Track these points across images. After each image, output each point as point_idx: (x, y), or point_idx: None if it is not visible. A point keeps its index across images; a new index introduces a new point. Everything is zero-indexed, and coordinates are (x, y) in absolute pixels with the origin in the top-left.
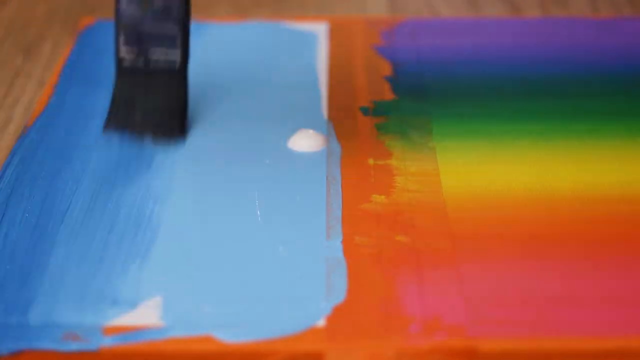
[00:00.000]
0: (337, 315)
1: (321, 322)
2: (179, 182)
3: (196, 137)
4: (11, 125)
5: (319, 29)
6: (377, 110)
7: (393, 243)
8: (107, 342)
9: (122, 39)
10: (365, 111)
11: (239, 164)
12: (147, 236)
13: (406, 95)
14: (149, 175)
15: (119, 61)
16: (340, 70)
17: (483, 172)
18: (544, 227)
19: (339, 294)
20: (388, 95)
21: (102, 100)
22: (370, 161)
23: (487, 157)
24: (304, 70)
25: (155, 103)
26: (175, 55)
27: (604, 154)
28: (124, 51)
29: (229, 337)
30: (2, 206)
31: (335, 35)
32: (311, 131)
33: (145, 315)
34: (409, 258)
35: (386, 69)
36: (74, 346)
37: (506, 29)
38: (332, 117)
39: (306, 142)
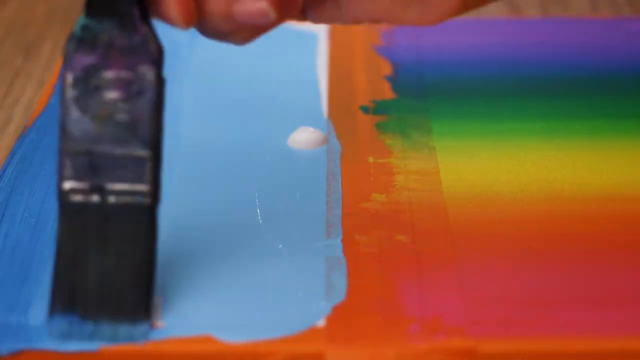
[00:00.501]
0: (337, 315)
1: (321, 322)
2: (178, 180)
3: (196, 136)
4: (11, 125)
5: (319, 29)
6: (377, 109)
7: (393, 242)
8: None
9: (68, 166)
10: (365, 110)
11: (238, 162)
12: None
13: (406, 95)
14: None
15: (62, 196)
16: (340, 70)
17: (483, 172)
18: (544, 227)
19: (339, 293)
20: (388, 94)
21: None
22: (370, 160)
23: (487, 156)
24: (304, 69)
25: (115, 265)
26: (143, 185)
27: (604, 154)
28: (70, 185)
29: (229, 337)
30: (2, 206)
31: (335, 35)
32: (311, 129)
33: None
34: (409, 258)
35: (386, 69)
36: (74, 346)
37: (506, 29)
38: (332, 116)
39: (306, 140)
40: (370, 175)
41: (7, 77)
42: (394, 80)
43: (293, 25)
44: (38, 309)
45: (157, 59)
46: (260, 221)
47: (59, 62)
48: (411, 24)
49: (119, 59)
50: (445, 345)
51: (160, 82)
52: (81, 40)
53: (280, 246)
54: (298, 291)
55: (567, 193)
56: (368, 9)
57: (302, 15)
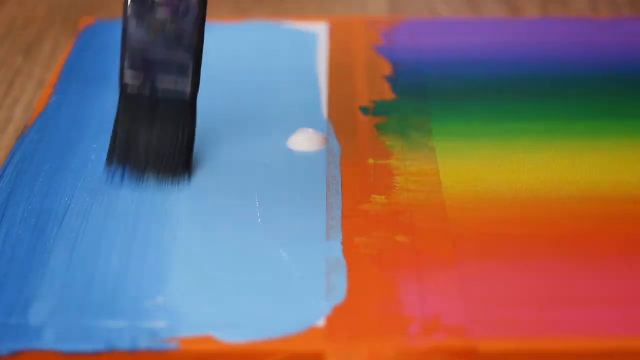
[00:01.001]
0: (337, 315)
1: (321, 322)
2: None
3: (196, 137)
4: (11, 125)
5: (319, 29)
6: (377, 110)
7: (393, 243)
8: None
9: (127, 63)
10: (365, 111)
11: (238, 164)
12: (147, 236)
13: (406, 95)
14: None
15: (123, 87)
16: (340, 70)
17: (483, 172)
18: (544, 227)
19: (339, 294)
20: (388, 95)
21: (102, 100)
22: (370, 161)
23: (487, 157)
24: (304, 70)
25: (160, 137)
26: (185, 85)
27: (604, 154)
28: (129, 76)
29: (229, 337)
30: (2, 206)
31: (335, 35)
32: (311, 131)
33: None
34: (409, 258)
35: (386, 69)
36: (73, 347)
37: (506, 29)
38: (332, 117)
39: (306, 142)
40: (371, 177)
41: (7, 77)
42: (394, 81)
43: (293, 25)
44: (38, 309)
45: None
46: (260, 222)
47: (59, 62)
48: None
49: None
50: (445, 345)
51: (203, 4)
52: None
53: (281, 248)
54: (298, 291)
55: (567, 193)
56: None
57: None
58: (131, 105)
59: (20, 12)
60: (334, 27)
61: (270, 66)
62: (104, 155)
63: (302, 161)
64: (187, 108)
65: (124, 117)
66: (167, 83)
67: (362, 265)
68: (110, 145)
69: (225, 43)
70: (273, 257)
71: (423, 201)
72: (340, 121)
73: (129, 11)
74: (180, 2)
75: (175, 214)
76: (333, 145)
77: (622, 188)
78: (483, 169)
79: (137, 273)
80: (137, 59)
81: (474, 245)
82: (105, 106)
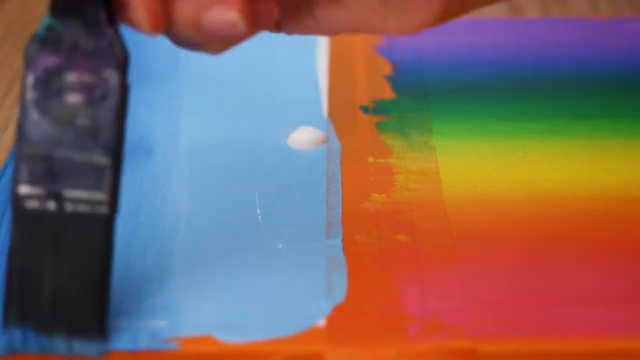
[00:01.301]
0: (337, 315)
1: (321, 322)
2: (178, 180)
3: (195, 135)
4: (11, 125)
5: None
6: (377, 109)
7: (393, 242)
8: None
9: (24, 171)
10: (365, 110)
11: (238, 162)
12: (147, 236)
13: (406, 95)
14: (146, 173)
15: (16, 202)
16: (340, 69)
17: (483, 172)
18: (544, 227)
19: (339, 293)
20: (388, 94)
21: None
22: (371, 159)
23: (487, 156)
24: (304, 69)
25: (69, 281)
26: (101, 196)
27: (604, 154)
28: (26, 190)
29: (229, 337)
30: (2, 206)
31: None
32: (311, 129)
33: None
34: (409, 258)
35: (386, 68)
36: (73, 347)
37: (506, 29)
38: (332, 116)
39: (306, 140)
40: (370, 175)
41: (7, 77)
42: (394, 80)
43: None
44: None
45: (122, 64)
46: (260, 221)
47: None
48: (390, 33)
49: (82, 62)
50: (445, 345)
51: (124, 88)
52: (44, 41)
53: (280, 246)
54: (298, 291)
55: (566, 193)
56: (345, 19)
57: (276, 27)
58: (28, 231)
59: (20, 12)
60: None
61: (270, 65)
62: None
63: (302, 159)
64: (103, 230)
65: (19, 251)
66: (78, 193)
67: (362, 264)
68: (5, 295)
69: None
70: (273, 256)
71: (423, 200)
72: (341, 119)
73: (29, 98)
74: (96, 83)
75: (175, 213)
76: (333, 143)
77: (622, 188)
78: (483, 168)
79: (137, 273)
80: (36, 164)
81: (474, 244)
82: None
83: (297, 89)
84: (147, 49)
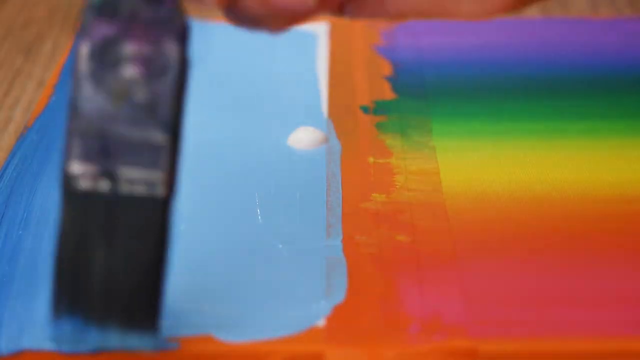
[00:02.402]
0: (337, 315)
1: (321, 322)
2: (178, 180)
3: (196, 136)
4: (11, 125)
5: (319, 29)
6: (378, 109)
7: (393, 242)
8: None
9: (77, 148)
10: (365, 110)
11: (238, 162)
12: None
13: (406, 95)
14: None
15: (67, 182)
16: (340, 70)
17: (483, 172)
18: (544, 227)
19: (339, 294)
20: (388, 94)
21: None
22: (371, 160)
23: (487, 156)
24: (304, 69)
25: (120, 268)
26: (157, 176)
27: (604, 154)
28: (78, 168)
29: (229, 337)
30: (2, 206)
31: (335, 35)
32: (311, 129)
33: None
34: (409, 258)
35: (386, 69)
36: (73, 347)
37: (506, 29)
38: (332, 116)
39: (306, 140)
40: (370, 176)
41: (7, 77)
42: (394, 81)
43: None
44: (39, 309)
45: (183, 35)
46: (260, 221)
47: (59, 62)
48: (462, 18)
49: (141, 32)
50: (445, 345)
51: (184, 61)
52: (100, 9)
53: (280, 246)
54: (298, 291)
55: (567, 193)
56: (415, 2)
57: (340, 10)
58: (80, 210)
59: (20, 12)
60: (334, 27)
61: (270, 66)
62: None
63: (302, 159)
64: (159, 213)
65: (69, 236)
66: (133, 174)
67: (362, 264)
68: (54, 284)
69: (226, 43)
70: (273, 256)
71: (423, 200)
72: (341, 120)
73: (84, 70)
74: (155, 55)
75: (175, 214)
76: (333, 143)
77: (621, 188)
78: (483, 168)
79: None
80: (90, 141)
81: (474, 244)
82: None
83: (297, 89)
84: None
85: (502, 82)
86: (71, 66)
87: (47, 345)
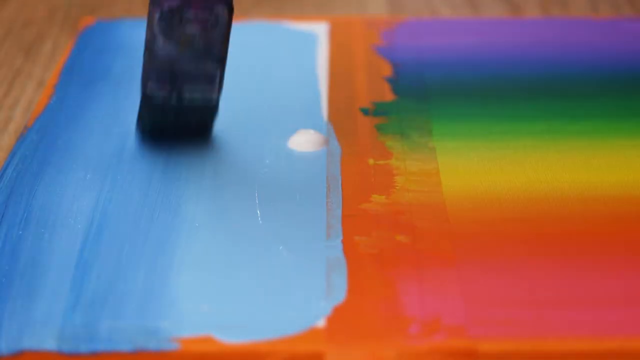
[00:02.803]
0: (337, 315)
1: (321, 323)
2: (179, 181)
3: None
4: (11, 125)
5: (319, 29)
6: (377, 110)
7: (393, 243)
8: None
9: (153, 76)
10: (365, 112)
11: (238, 164)
12: (147, 236)
13: (406, 96)
14: (147, 174)
15: (147, 99)
16: (340, 71)
17: (483, 172)
18: (544, 227)
19: (339, 294)
20: (388, 95)
21: (102, 100)
22: (371, 161)
23: (487, 157)
24: (304, 70)
25: (188, 120)
26: (212, 92)
27: (604, 154)
28: (154, 88)
29: (229, 337)
30: (2, 206)
31: (335, 35)
32: (311, 131)
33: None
34: (409, 258)
35: (386, 69)
36: (73, 347)
37: (506, 29)
38: (332, 118)
39: (306, 142)
40: (371, 177)
41: (7, 77)
42: (394, 82)
43: (293, 25)
44: (39, 309)
45: (229, 1)
46: (261, 222)
47: (59, 62)
48: None
49: (199, 2)
50: (445, 345)
51: (230, 16)
52: None
53: (281, 247)
54: (298, 291)
55: (567, 193)
56: None
57: None
58: (156, 111)
59: (20, 12)
60: (334, 27)
61: (270, 66)
62: (105, 156)
63: (302, 161)
64: (212, 110)
65: (147, 117)
66: (194, 92)
67: (362, 265)
68: (139, 114)
69: None
70: (273, 256)
71: (423, 201)
72: (341, 121)
73: (156, 28)
74: (210, 15)
75: (175, 214)
76: (333, 145)
77: (622, 188)
78: (483, 169)
79: (138, 273)
80: (163, 72)
81: (474, 245)
82: (105, 106)
83: (297, 90)
84: None
85: (502, 82)
86: (146, 23)
87: (47, 345)
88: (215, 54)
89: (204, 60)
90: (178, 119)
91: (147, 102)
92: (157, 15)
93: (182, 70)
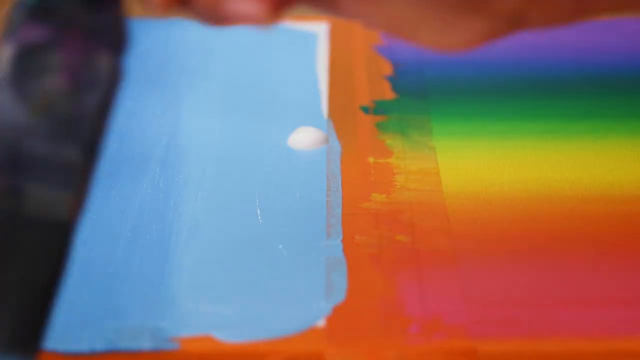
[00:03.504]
0: (337, 315)
1: (321, 323)
2: (179, 181)
3: (196, 136)
4: None
5: (319, 29)
6: (378, 109)
7: (393, 243)
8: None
9: None
10: (365, 110)
11: (239, 163)
12: (147, 237)
13: (406, 95)
14: (147, 175)
15: None
16: (340, 70)
17: (483, 172)
18: (544, 227)
19: (339, 294)
20: (388, 94)
21: None
22: (371, 160)
23: (487, 156)
24: (304, 69)
25: (12, 289)
26: (67, 198)
27: (604, 154)
28: None
29: (229, 337)
30: None
31: (335, 35)
32: (311, 129)
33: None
34: (409, 258)
35: (386, 69)
36: (74, 346)
37: None
38: (332, 116)
39: (306, 140)
40: (371, 175)
41: None
42: (395, 80)
43: (293, 25)
44: None
45: (119, 47)
46: (261, 221)
47: None
48: (423, 45)
49: (74, 41)
50: (445, 345)
51: (116, 77)
52: (34, 9)
53: (280, 246)
54: (298, 291)
55: (567, 193)
56: (372, 14)
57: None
58: None
59: None
60: (334, 27)
61: (270, 66)
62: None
63: (302, 160)
64: (62, 237)
65: None
66: (40, 192)
67: (362, 264)
68: None
69: (226, 43)
70: (273, 256)
71: (423, 200)
72: (341, 120)
73: (5, 72)
74: (85, 68)
75: (176, 214)
76: (333, 144)
77: (622, 188)
78: (483, 168)
79: (138, 273)
80: (1, 152)
81: (474, 244)
82: None
83: (297, 89)
84: (146, 49)
85: (502, 82)
86: None
87: (47, 345)
88: (82, 133)
89: (63, 141)
90: (9, 251)
91: None
92: (9, 53)
93: (30, 152)
